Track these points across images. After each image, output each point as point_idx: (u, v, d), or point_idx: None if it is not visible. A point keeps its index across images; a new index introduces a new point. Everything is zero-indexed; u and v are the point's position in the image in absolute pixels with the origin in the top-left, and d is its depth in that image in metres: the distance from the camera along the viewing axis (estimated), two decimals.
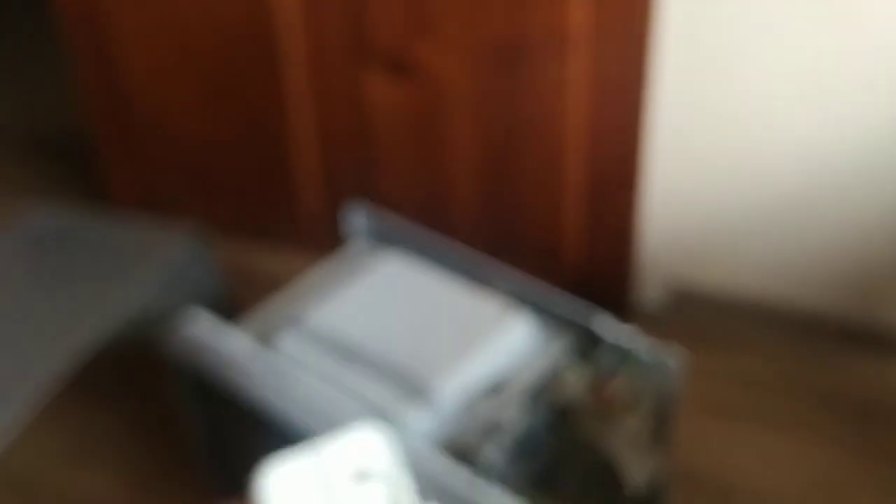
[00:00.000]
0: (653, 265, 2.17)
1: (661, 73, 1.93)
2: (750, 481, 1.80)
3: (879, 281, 2.02)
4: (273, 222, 2.43)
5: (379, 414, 1.39)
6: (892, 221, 1.94)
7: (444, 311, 1.56)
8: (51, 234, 2.06)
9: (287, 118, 2.26)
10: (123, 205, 2.53)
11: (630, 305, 2.21)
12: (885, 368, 2.04)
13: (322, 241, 1.92)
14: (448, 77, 2.05)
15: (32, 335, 1.78)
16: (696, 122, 1.98)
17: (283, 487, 0.83)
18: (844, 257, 2.01)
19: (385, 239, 1.76)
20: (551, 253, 2.18)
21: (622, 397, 1.44)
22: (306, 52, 2.16)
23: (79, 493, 1.82)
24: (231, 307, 1.77)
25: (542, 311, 1.57)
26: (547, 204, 2.12)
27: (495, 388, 1.45)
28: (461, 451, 1.36)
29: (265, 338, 1.55)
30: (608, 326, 1.49)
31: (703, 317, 2.16)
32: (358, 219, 1.76)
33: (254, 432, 1.50)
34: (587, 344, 1.51)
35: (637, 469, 1.50)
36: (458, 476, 1.28)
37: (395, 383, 1.43)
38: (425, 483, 1.28)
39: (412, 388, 1.42)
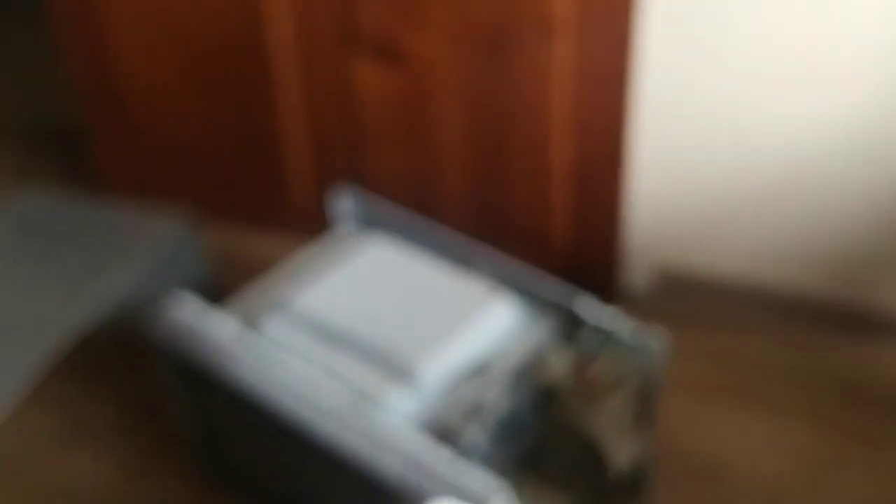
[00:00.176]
0: (640, 248, 2.18)
1: (646, 57, 1.94)
2: (735, 462, 1.81)
3: (864, 263, 2.03)
4: (262, 207, 2.43)
5: (363, 396, 1.40)
6: (878, 203, 1.95)
7: (429, 294, 1.56)
8: (39, 220, 2.06)
9: (276, 104, 2.26)
10: (115, 191, 2.54)
11: (617, 289, 2.21)
12: (869, 349, 2.05)
13: (311, 225, 1.93)
14: (435, 63, 2.06)
15: (21, 320, 1.79)
16: (682, 105, 1.98)
17: None
18: (830, 239, 2.02)
19: (371, 223, 1.76)
20: (539, 237, 2.18)
21: (605, 379, 1.45)
22: (295, 40, 2.16)
23: (69, 475, 1.83)
24: (219, 291, 1.78)
25: (526, 293, 1.57)
26: (534, 189, 2.12)
27: (478, 370, 1.46)
28: (444, 433, 1.37)
29: (250, 321, 1.56)
30: (590, 308, 1.50)
31: (690, 299, 2.17)
32: (344, 203, 1.77)
33: (240, 415, 1.51)
34: (570, 326, 1.52)
35: (621, 450, 1.51)
36: (441, 457, 1.29)
37: (380, 365, 1.44)
38: (409, 464, 1.29)
39: (396, 370, 1.43)
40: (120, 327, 1.92)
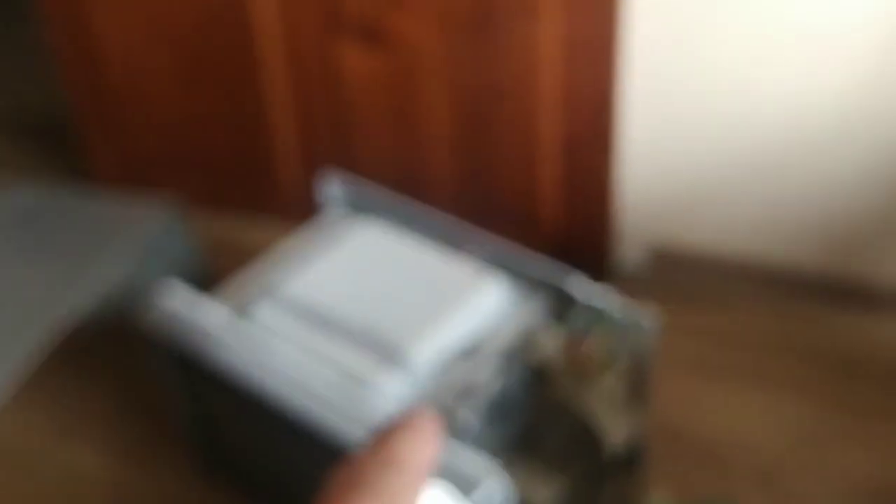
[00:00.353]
0: (631, 226, 2.17)
1: (634, 32, 1.92)
2: (731, 438, 1.81)
3: (859, 236, 2.03)
4: (250, 193, 2.42)
5: (354, 380, 1.40)
6: (872, 176, 1.95)
7: (419, 276, 1.56)
8: (28, 212, 2.06)
9: (262, 90, 2.25)
10: (104, 181, 2.53)
11: (609, 266, 2.21)
12: (865, 323, 2.04)
13: (299, 211, 1.92)
14: (421, 44, 2.04)
15: (11, 310, 1.78)
16: (672, 81, 1.97)
17: None
18: (823, 214, 2.02)
19: (360, 207, 1.76)
20: (529, 217, 2.18)
21: (597, 357, 1.45)
22: (280, 24, 2.14)
23: (63, 465, 1.83)
24: (209, 279, 1.78)
25: (516, 273, 1.57)
26: (523, 168, 2.12)
27: (470, 351, 1.45)
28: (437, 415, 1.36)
29: (241, 308, 1.56)
30: (581, 287, 1.50)
31: (682, 275, 2.17)
32: (333, 188, 1.76)
33: (233, 401, 1.50)
34: (561, 305, 1.52)
35: (614, 429, 1.51)
36: None
37: (371, 349, 1.43)
38: None
39: (387, 353, 1.42)
40: (110, 317, 1.91)
